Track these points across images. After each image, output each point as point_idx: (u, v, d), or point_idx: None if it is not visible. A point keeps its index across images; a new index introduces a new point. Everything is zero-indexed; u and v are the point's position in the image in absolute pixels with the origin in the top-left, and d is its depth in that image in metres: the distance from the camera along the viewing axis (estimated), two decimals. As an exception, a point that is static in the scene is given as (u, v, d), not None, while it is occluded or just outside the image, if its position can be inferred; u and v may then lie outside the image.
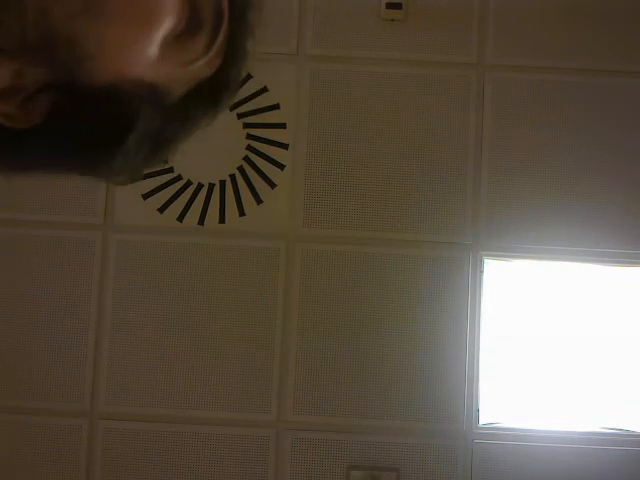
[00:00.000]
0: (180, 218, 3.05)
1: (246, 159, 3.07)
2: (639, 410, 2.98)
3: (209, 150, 3.04)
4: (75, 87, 0.64)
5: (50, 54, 0.62)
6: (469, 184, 3.03)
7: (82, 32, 0.62)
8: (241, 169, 3.07)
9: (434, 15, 3.09)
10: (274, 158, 3.07)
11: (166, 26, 0.64)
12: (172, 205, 3.05)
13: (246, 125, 3.07)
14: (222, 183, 3.06)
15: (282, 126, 3.08)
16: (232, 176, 3.06)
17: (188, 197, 3.06)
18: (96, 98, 0.65)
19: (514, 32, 3.08)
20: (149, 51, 0.64)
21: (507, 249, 3.02)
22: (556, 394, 2.98)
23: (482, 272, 3.00)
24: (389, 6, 3.06)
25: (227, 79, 0.72)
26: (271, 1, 3.09)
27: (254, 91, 3.08)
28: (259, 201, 3.05)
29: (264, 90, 3.08)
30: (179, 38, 0.65)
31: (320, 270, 3.01)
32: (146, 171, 0.74)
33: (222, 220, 3.04)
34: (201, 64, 0.69)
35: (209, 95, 0.72)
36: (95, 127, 0.67)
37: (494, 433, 2.96)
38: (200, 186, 3.06)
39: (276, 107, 3.08)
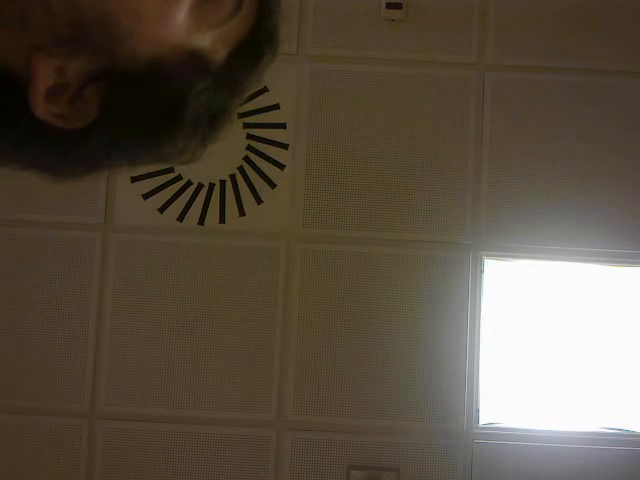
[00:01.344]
0: (180, 218, 3.05)
1: (246, 159, 3.07)
2: (638, 410, 2.98)
3: (209, 150, 3.04)
4: (118, 72, 0.64)
5: (86, 40, 0.62)
6: (469, 184, 3.03)
7: (111, 9, 0.61)
8: (241, 169, 3.07)
9: (434, 15, 3.09)
10: (274, 158, 3.07)
11: None
12: (172, 205, 3.06)
13: (246, 125, 3.07)
14: (222, 183, 3.06)
15: (282, 126, 3.08)
16: (232, 176, 3.06)
17: (188, 197, 3.06)
18: (142, 78, 0.65)
19: (514, 32, 3.08)
20: (181, 17, 0.64)
21: (507, 249, 3.02)
22: (556, 394, 2.98)
23: (482, 272, 3.00)
24: (389, 6, 3.06)
25: (266, 31, 0.72)
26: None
27: (254, 91, 3.07)
28: (259, 201, 3.05)
29: (264, 90, 3.07)
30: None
31: (320, 270, 3.01)
32: (208, 146, 0.73)
33: (222, 220, 3.05)
34: (235, 21, 0.68)
35: (251, 52, 0.71)
36: (150, 108, 0.67)
37: (494, 433, 2.96)
38: (200, 186, 3.06)
39: (276, 107, 3.08)
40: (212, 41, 0.67)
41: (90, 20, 0.61)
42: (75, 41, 0.61)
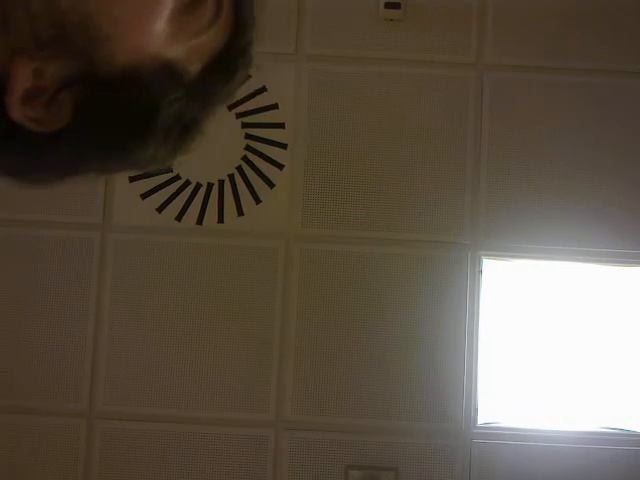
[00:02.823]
0: (179, 218, 3.04)
1: (245, 159, 3.07)
2: (638, 410, 2.98)
3: (207, 150, 3.04)
4: (95, 76, 0.64)
5: (66, 43, 0.62)
6: (468, 184, 3.03)
7: (92, 13, 0.61)
8: (240, 169, 3.06)
9: (433, 15, 3.09)
10: (273, 158, 3.06)
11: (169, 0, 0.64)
12: (171, 205, 3.05)
13: (245, 125, 3.07)
14: (221, 183, 3.06)
15: (281, 126, 3.08)
16: (231, 176, 3.06)
17: (187, 197, 3.05)
18: (117, 84, 0.65)
19: (513, 32, 3.08)
20: (159, 26, 0.64)
21: (506, 249, 3.02)
22: (555, 394, 2.98)
23: (481, 272, 3.00)
24: (388, 6, 3.06)
25: (239, 47, 0.72)
26: (270, 1, 3.09)
27: (252, 91, 3.08)
28: (258, 201, 3.05)
29: (263, 90, 3.07)
30: (186, 9, 0.65)
31: (319, 270, 3.00)
32: (178, 156, 0.74)
33: (221, 220, 3.04)
34: (211, 34, 0.68)
35: (225, 66, 0.72)
36: (124, 115, 0.67)
37: (493, 433, 2.96)
38: (199, 186, 3.05)
39: (275, 107, 3.08)
40: (187, 53, 0.68)
41: (71, 23, 0.61)
42: (56, 43, 0.62)
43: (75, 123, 0.66)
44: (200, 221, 3.04)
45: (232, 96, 0.76)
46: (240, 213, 3.05)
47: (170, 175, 3.05)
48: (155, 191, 3.05)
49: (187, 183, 3.05)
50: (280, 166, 3.06)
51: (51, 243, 3.03)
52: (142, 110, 0.68)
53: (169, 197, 3.05)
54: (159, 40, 0.65)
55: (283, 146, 3.07)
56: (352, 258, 3.01)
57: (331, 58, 3.09)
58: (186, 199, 3.05)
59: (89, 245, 3.03)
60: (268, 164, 3.06)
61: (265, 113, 3.08)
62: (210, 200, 3.05)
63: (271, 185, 3.06)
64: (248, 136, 3.07)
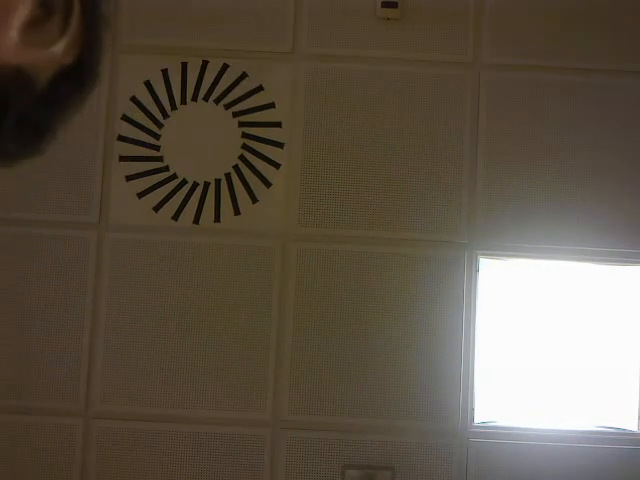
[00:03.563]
0: (175, 217, 3.04)
1: (241, 158, 3.06)
2: (633, 409, 2.98)
3: (204, 149, 3.04)
4: None
5: None
6: (465, 183, 3.03)
7: None
8: (236, 168, 3.06)
9: (430, 14, 3.09)
10: (269, 157, 3.06)
11: (21, 11, 0.68)
12: (167, 204, 3.05)
13: (241, 124, 3.07)
14: (217, 182, 3.05)
15: (277, 125, 3.08)
16: (227, 175, 3.06)
17: (183, 196, 3.05)
18: None
19: (510, 31, 3.08)
20: (11, 35, 0.69)
21: (503, 248, 3.02)
22: (551, 393, 2.98)
23: (477, 271, 3.00)
24: (385, 5, 3.06)
25: (87, 65, 0.77)
26: (267, 0, 3.09)
27: (249, 90, 3.07)
28: (254, 200, 3.05)
29: (259, 89, 3.07)
30: (34, 22, 0.70)
31: (315, 269, 3.00)
32: (24, 159, 0.77)
33: (217, 219, 3.04)
34: (59, 48, 0.73)
35: (73, 79, 0.77)
36: None
37: (489, 432, 2.96)
38: (195, 185, 3.05)
39: (271, 106, 3.08)
40: (37, 62, 0.73)
41: None
42: None
43: None
44: (197, 220, 3.04)
45: (82, 107, 0.82)
46: (237, 212, 3.04)
47: (167, 174, 3.05)
48: (151, 190, 3.05)
49: (184, 182, 3.05)
50: (277, 165, 3.06)
51: (47, 242, 3.02)
52: None
53: (166, 196, 3.05)
54: (10, 47, 0.69)
55: (280, 145, 3.06)
56: (349, 257, 3.01)
57: (328, 57, 3.09)
58: (183, 198, 3.05)
59: (85, 244, 3.03)
60: (265, 163, 3.06)
61: (262, 112, 3.08)
62: (207, 199, 3.05)
63: (268, 184, 3.05)
64: (245, 135, 3.07)
